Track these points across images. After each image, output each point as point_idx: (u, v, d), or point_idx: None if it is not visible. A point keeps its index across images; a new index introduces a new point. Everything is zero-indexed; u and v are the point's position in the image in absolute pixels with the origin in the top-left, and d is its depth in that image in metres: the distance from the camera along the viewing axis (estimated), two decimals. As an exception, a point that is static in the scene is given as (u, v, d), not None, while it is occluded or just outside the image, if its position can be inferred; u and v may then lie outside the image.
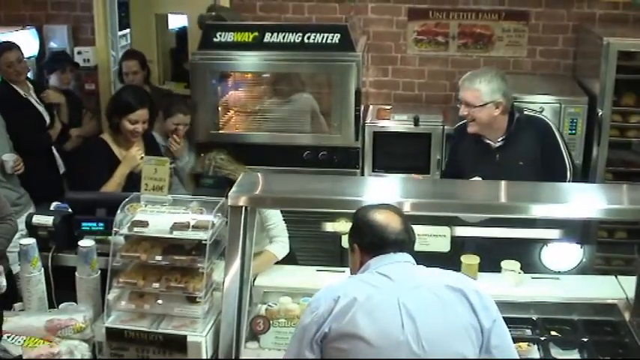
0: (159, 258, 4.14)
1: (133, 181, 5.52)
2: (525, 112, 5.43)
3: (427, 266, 3.46)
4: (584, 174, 6.91)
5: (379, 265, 3.37)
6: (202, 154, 5.53)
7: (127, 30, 10.15)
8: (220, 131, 7.03)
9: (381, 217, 3.45)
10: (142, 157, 5.58)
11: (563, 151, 5.32)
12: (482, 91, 5.21)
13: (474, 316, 3.23)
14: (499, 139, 5.34)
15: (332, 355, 3.21)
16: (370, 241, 3.44)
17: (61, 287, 4.62)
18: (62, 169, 7.31)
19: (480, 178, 5.16)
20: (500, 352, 3.27)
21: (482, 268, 4.75)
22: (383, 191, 4.24)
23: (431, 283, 3.31)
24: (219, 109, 7.04)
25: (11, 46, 7.13)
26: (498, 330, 3.29)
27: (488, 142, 5.37)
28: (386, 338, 3.14)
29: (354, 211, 3.55)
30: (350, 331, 3.16)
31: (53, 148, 7.23)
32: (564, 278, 4.85)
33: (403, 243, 3.43)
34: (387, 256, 3.40)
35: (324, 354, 3.23)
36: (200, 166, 5.43)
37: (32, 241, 4.50)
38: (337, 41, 6.73)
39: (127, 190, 5.29)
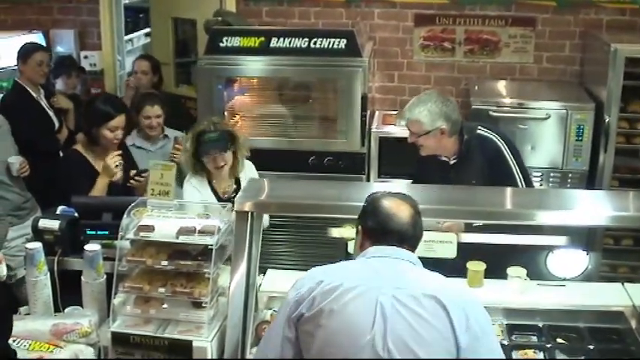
0: (165, 263, 4.15)
1: (114, 191, 5.61)
2: (478, 131, 5.40)
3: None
4: (590, 181, 6.91)
5: (375, 256, 3.35)
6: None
7: (134, 34, 10.20)
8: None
9: (389, 205, 3.41)
10: (117, 165, 5.60)
11: (515, 173, 5.31)
12: (423, 122, 5.24)
13: (450, 332, 3.10)
14: (453, 158, 5.40)
15: (302, 339, 3.25)
16: (373, 226, 3.42)
17: (67, 291, 4.62)
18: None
19: None
20: None
21: (488, 274, 4.75)
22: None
23: (415, 288, 3.19)
24: (225, 114, 7.02)
25: (42, 47, 7.36)
26: (475, 350, 3.13)
27: (445, 159, 5.42)
28: (351, 334, 3.11)
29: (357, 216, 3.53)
30: (320, 318, 3.17)
31: (60, 152, 7.23)
32: (570, 285, 4.83)
33: (405, 236, 3.38)
34: (386, 249, 3.36)
35: (298, 334, 3.27)
36: (201, 126, 5.65)
37: (38, 245, 4.50)
38: (343, 47, 6.73)
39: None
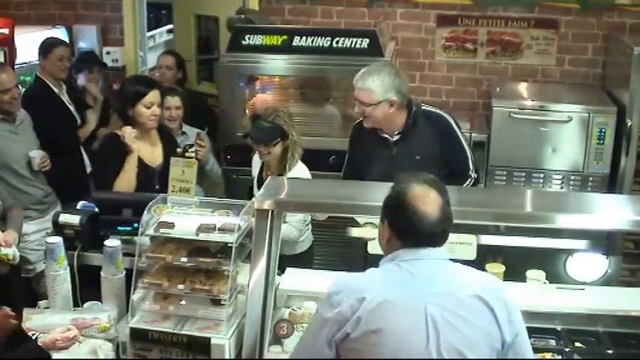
0: (184, 260, 4.16)
1: (151, 176, 5.56)
2: (424, 108, 5.44)
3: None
4: (611, 184, 6.88)
5: (408, 259, 3.20)
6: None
7: (156, 31, 10.23)
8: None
9: (417, 200, 3.17)
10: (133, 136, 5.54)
11: (464, 145, 5.37)
12: (374, 91, 5.19)
13: (496, 330, 3.14)
14: (396, 133, 5.36)
15: (348, 356, 3.13)
16: (401, 225, 3.23)
17: (86, 286, 4.64)
18: (89, 169, 7.33)
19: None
20: None
21: (506, 277, 4.74)
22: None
23: (458, 289, 3.18)
24: (247, 111, 7.04)
25: (63, 42, 7.39)
26: (519, 344, 3.21)
27: (386, 136, 5.38)
28: (408, 352, 3.05)
29: (378, 217, 3.44)
30: (370, 337, 3.05)
31: (81, 147, 7.26)
32: (589, 289, 4.80)
33: (436, 236, 3.22)
34: (418, 252, 3.21)
35: (339, 352, 3.14)
36: (261, 110, 5.78)
37: (58, 239, 4.53)
38: (366, 46, 6.72)
39: (143, 185, 5.43)
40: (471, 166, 5.35)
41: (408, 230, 3.21)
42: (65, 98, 7.15)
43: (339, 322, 3.11)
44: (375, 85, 5.19)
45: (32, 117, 6.50)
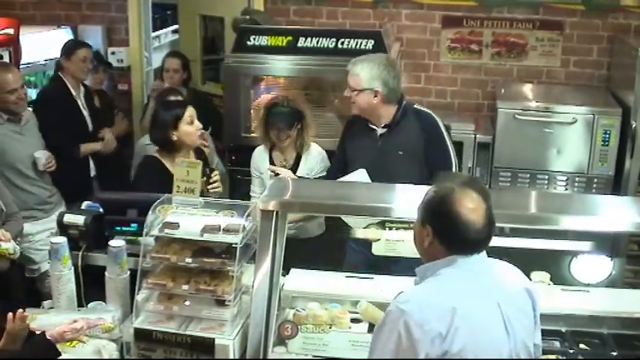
0: (189, 260, 4.16)
1: None
2: (415, 106, 5.53)
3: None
4: (615, 186, 6.88)
5: (467, 263, 3.18)
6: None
7: (161, 31, 10.23)
8: (252, 134, 7.02)
9: (465, 210, 3.12)
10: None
11: (449, 147, 5.40)
12: (360, 77, 5.31)
13: (534, 318, 3.33)
14: (382, 127, 5.42)
15: None
16: (447, 234, 3.19)
17: (91, 287, 4.65)
18: (93, 172, 7.34)
19: (364, 170, 5.24)
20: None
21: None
22: (414, 198, 4.25)
23: (514, 284, 3.32)
24: (252, 112, 7.04)
25: (86, 44, 7.41)
26: (538, 334, 3.42)
27: (373, 127, 5.46)
28: (498, 352, 3.10)
29: (383, 218, 3.43)
30: (468, 347, 3.01)
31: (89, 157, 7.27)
32: (594, 291, 4.80)
33: (483, 242, 3.21)
34: (470, 259, 3.19)
35: None
36: (275, 99, 6.02)
37: (63, 239, 4.54)
38: (371, 47, 6.71)
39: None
40: (454, 171, 5.39)
41: (454, 237, 3.17)
42: (81, 102, 7.16)
43: (433, 341, 2.98)
44: (363, 72, 5.31)
45: (45, 118, 6.52)
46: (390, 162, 5.28)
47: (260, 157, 6.08)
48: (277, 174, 5.43)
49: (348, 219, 4.94)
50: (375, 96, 5.29)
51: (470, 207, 3.13)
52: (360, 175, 5.23)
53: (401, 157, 5.32)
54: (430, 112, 5.56)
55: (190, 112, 5.52)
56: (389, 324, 3.08)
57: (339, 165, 5.63)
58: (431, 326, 2.98)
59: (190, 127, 5.49)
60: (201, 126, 5.60)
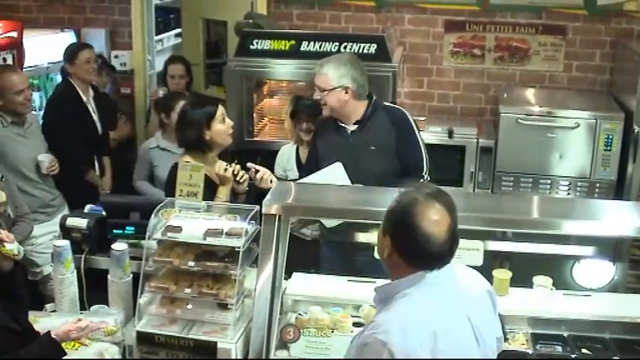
0: (191, 264, 4.17)
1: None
2: (385, 103, 5.65)
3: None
4: (618, 191, 6.88)
5: (433, 277, 3.05)
6: None
7: (164, 34, 10.24)
8: (255, 138, 7.04)
9: (427, 223, 2.97)
10: (225, 169, 5.13)
11: (420, 142, 5.47)
12: (329, 76, 5.39)
13: (496, 321, 3.34)
14: (353, 123, 5.48)
15: None
16: (407, 248, 3.04)
17: (93, 290, 4.66)
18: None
19: (339, 163, 5.29)
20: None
21: (513, 283, 4.74)
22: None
23: (475, 288, 3.28)
24: (254, 116, 7.05)
25: (87, 45, 7.41)
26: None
27: (343, 125, 5.52)
28: None
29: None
30: None
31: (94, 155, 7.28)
32: (596, 295, 4.81)
33: (445, 257, 3.06)
34: (438, 272, 3.06)
35: None
36: (297, 94, 6.29)
37: (66, 242, 4.55)
38: (374, 51, 6.71)
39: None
40: (424, 167, 5.43)
41: (413, 251, 3.05)
42: (91, 106, 7.17)
43: None
44: (331, 71, 5.40)
45: (55, 123, 6.54)
46: (363, 158, 5.34)
47: (286, 154, 6.25)
48: (257, 171, 5.36)
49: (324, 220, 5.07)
50: (346, 92, 5.37)
51: (432, 220, 2.99)
52: (337, 169, 5.27)
53: (373, 152, 5.38)
54: (400, 107, 5.69)
55: (222, 110, 5.35)
56: (371, 356, 2.94)
57: (310, 165, 5.68)
58: (417, 354, 2.90)
59: (222, 126, 5.27)
60: (232, 124, 5.41)
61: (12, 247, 4.80)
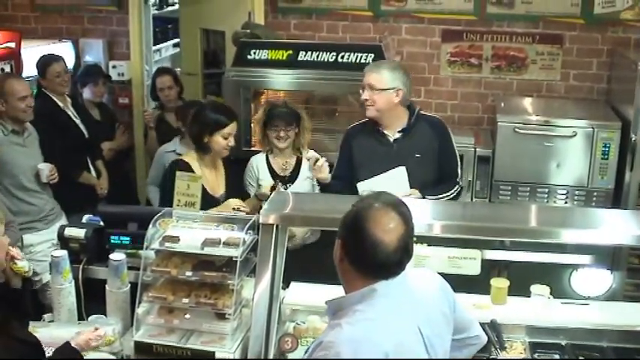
0: (189, 274, 4.18)
1: (210, 204, 5.35)
2: (422, 112, 5.64)
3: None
4: (615, 199, 6.88)
5: (383, 288, 2.98)
6: None
7: (162, 45, 10.24)
8: (252, 148, 7.03)
9: (376, 229, 2.91)
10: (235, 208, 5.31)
11: (457, 155, 5.58)
12: (385, 76, 5.37)
13: (451, 323, 3.26)
14: (398, 131, 5.47)
15: None
16: (354, 252, 3.00)
17: (91, 300, 4.66)
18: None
19: (403, 167, 5.33)
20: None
21: (511, 291, 4.74)
22: (413, 212, 4.25)
23: (432, 291, 3.23)
24: (252, 125, 7.05)
25: (58, 58, 7.29)
26: (459, 310, 3.37)
27: (387, 133, 5.49)
28: None
29: None
30: None
31: (88, 161, 7.27)
32: (594, 304, 4.80)
33: (393, 267, 2.98)
34: (388, 282, 2.99)
35: None
36: (273, 101, 6.31)
37: (64, 252, 4.55)
38: (371, 61, 6.70)
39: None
40: (459, 173, 5.54)
41: (361, 257, 2.99)
42: (71, 112, 7.15)
43: None
44: (387, 73, 5.39)
45: (40, 134, 6.53)
46: (407, 165, 5.33)
47: (257, 164, 6.14)
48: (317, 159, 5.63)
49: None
50: (397, 95, 5.35)
51: (384, 227, 2.92)
52: (399, 174, 5.31)
53: (418, 160, 5.39)
54: (437, 116, 5.76)
55: (231, 128, 5.57)
56: None
57: (343, 171, 5.62)
58: None
59: (223, 141, 5.53)
60: (233, 144, 5.62)
61: (23, 264, 4.79)
